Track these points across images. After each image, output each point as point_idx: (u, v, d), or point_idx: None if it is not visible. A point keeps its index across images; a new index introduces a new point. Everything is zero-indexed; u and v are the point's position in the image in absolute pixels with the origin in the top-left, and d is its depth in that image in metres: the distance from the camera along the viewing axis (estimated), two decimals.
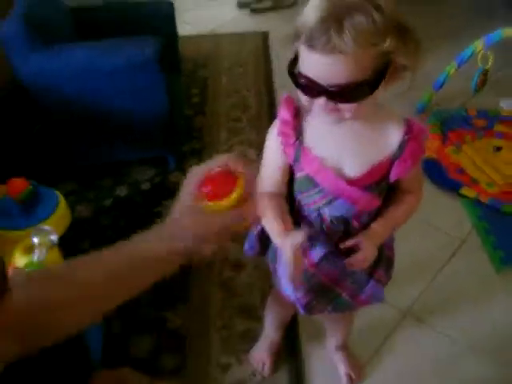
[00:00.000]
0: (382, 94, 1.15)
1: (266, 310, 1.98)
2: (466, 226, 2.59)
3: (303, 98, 1.16)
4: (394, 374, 2.02)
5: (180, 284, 2.32)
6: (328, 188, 1.29)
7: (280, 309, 1.91)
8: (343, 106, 1.11)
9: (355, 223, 1.36)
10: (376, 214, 1.39)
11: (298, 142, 1.28)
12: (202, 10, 4.97)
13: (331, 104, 1.11)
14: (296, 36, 1.09)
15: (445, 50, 3.70)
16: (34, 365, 0.81)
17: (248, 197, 0.95)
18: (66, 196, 2.38)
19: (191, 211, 0.93)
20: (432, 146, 2.99)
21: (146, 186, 2.88)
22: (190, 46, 4.22)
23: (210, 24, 4.71)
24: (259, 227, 1.52)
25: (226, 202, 0.93)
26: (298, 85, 1.14)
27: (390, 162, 1.26)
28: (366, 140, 1.26)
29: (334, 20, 1.01)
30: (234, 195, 0.93)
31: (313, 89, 1.10)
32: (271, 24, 4.59)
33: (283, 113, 1.30)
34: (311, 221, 1.38)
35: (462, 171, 2.82)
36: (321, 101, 1.11)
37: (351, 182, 1.27)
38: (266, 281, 2.28)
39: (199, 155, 3.07)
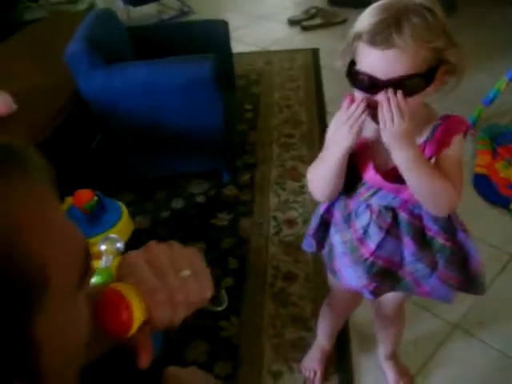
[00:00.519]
0: (433, 93, 1.24)
1: (320, 318, 2.04)
2: None
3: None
4: None
5: (234, 295, 2.40)
6: (370, 181, 1.36)
7: (334, 316, 1.98)
8: None
9: (403, 213, 1.40)
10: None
11: None
12: (254, 27, 5.09)
13: None
14: (356, 37, 1.19)
15: (496, 65, 3.71)
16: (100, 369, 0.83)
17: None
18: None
19: None
20: (482, 162, 3.01)
21: (200, 199, 2.98)
22: (243, 63, 4.34)
23: (262, 41, 4.82)
24: (313, 226, 1.63)
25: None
26: (356, 84, 1.22)
27: (423, 148, 1.30)
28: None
29: (393, 21, 1.12)
30: (135, 324, 0.71)
31: (372, 84, 1.18)
32: (321, 41, 4.67)
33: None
34: (359, 214, 1.45)
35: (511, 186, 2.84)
36: (379, 97, 1.18)
37: (387, 173, 1.32)
38: (318, 292, 2.34)
39: (252, 169, 3.17)
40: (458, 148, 1.31)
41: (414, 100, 1.20)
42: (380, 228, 1.43)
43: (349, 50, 1.23)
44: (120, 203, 2.27)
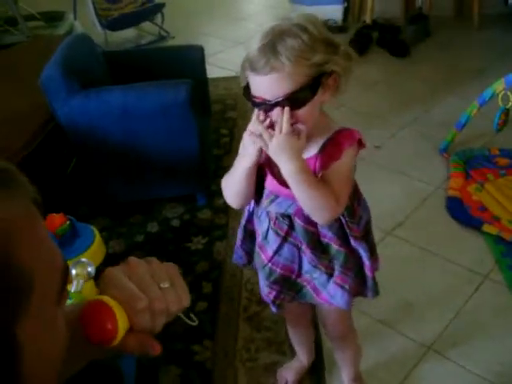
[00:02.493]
0: (330, 99, 1.34)
1: (289, 335, 2.07)
2: (489, 262, 2.61)
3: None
4: None
5: (208, 319, 2.39)
6: (268, 186, 1.45)
7: (291, 328, 2.02)
8: (294, 114, 1.27)
9: (298, 220, 1.45)
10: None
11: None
12: (231, 52, 5.12)
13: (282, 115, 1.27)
14: (243, 67, 1.28)
15: (469, 89, 3.78)
16: None
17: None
18: (99, 232, 2.47)
19: None
20: (455, 185, 3.05)
21: (175, 223, 2.98)
22: (220, 87, 4.37)
23: (239, 66, 4.83)
24: (240, 237, 1.68)
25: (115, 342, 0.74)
26: (253, 105, 1.31)
27: (314, 160, 1.37)
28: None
29: (269, 46, 1.21)
30: (120, 333, 0.74)
31: (265, 105, 1.27)
32: None
33: None
34: (261, 221, 1.53)
35: (484, 209, 2.87)
36: (274, 115, 1.27)
37: (282, 180, 1.36)
38: None
39: None
40: (348, 161, 1.37)
41: (306, 110, 1.28)
42: (277, 235, 1.49)
43: (243, 77, 1.32)
44: (93, 228, 2.27)
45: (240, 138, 1.38)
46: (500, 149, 3.35)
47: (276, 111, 1.27)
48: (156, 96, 2.65)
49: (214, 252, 2.76)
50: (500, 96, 3.03)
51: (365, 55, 4.75)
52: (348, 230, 1.48)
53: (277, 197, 1.44)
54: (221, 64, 4.78)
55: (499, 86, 3.05)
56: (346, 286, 1.53)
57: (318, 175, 1.36)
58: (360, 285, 1.58)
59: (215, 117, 3.84)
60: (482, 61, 4.52)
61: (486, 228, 2.74)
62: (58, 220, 2.13)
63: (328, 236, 1.47)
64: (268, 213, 1.49)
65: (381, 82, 4.36)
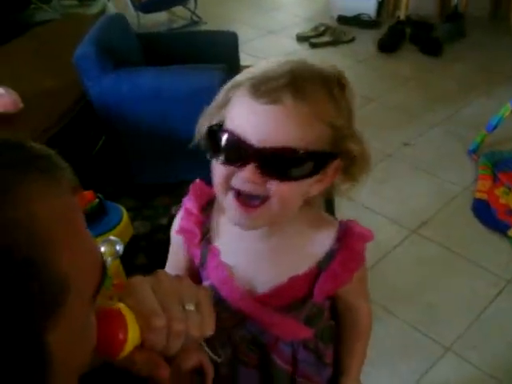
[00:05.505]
0: (316, 193, 0.95)
1: None
2: None
3: (219, 177, 0.92)
4: None
5: None
6: (235, 305, 1.03)
7: None
8: (273, 188, 0.87)
9: (277, 359, 1.09)
10: (314, 351, 1.13)
11: (204, 241, 1.07)
12: (262, 41, 5.11)
13: (258, 178, 0.85)
14: (234, 86, 0.91)
15: (501, 93, 3.73)
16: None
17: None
18: None
19: None
20: (483, 187, 3.02)
21: None
22: None
23: (271, 56, 4.80)
24: None
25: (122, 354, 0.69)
26: (217, 150, 0.91)
27: (314, 275, 1.01)
28: (286, 248, 1.02)
29: (291, 76, 0.85)
30: (129, 346, 0.69)
31: (239, 150, 0.86)
32: (329, 58, 4.68)
33: (189, 203, 1.11)
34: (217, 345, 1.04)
35: (511, 213, 2.84)
36: (246, 172, 0.85)
37: (261, 298, 1.02)
38: None
39: None
40: (362, 275, 1.07)
41: (291, 189, 0.88)
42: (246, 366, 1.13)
43: (218, 111, 0.96)
44: (121, 207, 2.28)
45: None
46: None
47: (248, 170, 0.84)
48: (189, 80, 2.65)
49: None
50: None
51: (397, 51, 4.71)
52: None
53: (246, 318, 1.04)
54: (253, 52, 4.76)
55: None
56: None
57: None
58: None
59: None
60: None
61: None
62: (87, 197, 2.14)
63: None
64: (230, 338, 1.09)
65: (412, 79, 4.32)
